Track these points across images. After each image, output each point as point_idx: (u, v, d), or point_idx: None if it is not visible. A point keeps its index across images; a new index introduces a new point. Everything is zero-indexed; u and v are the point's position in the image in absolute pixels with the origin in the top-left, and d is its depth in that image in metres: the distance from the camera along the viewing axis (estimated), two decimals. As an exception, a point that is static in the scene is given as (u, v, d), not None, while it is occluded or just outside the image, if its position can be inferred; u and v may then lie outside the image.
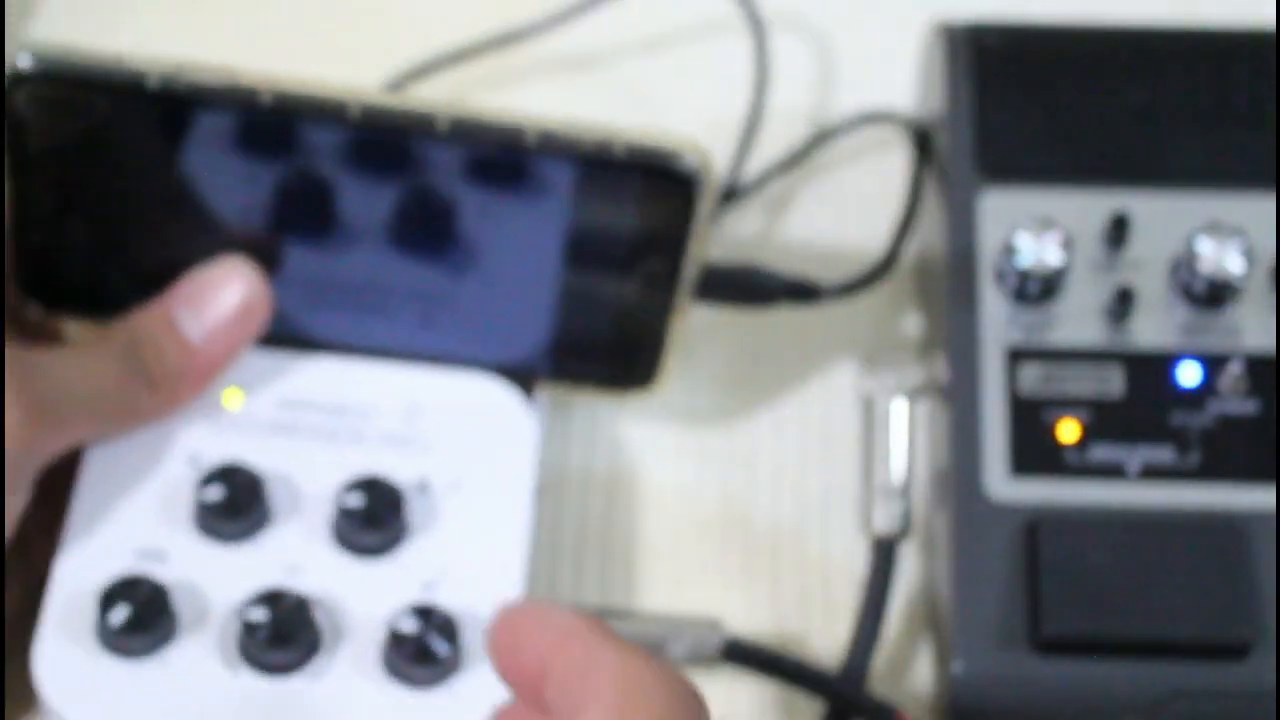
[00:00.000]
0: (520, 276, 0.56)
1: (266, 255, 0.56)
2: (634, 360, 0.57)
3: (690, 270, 0.54)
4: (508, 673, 0.45)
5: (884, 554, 0.56)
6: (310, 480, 0.55)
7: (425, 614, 0.52)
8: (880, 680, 0.57)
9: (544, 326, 0.57)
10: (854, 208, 0.67)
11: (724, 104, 0.70)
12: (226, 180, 0.55)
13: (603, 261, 0.55)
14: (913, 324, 0.65)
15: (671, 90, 0.71)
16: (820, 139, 0.67)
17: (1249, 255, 0.55)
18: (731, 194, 0.66)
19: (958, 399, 0.55)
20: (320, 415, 0.56)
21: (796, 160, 0.67)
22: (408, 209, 0.55)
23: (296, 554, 0.54)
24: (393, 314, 0.57)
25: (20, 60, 0.52)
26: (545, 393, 0.58)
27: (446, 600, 0.53)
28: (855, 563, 0.59)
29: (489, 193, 0.54)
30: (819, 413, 0.63)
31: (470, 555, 0.54)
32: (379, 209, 0.55)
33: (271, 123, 0.53)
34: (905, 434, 0.57)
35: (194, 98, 0.52)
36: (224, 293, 0.55)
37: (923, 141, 0.63)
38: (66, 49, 0.52)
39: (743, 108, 0.69)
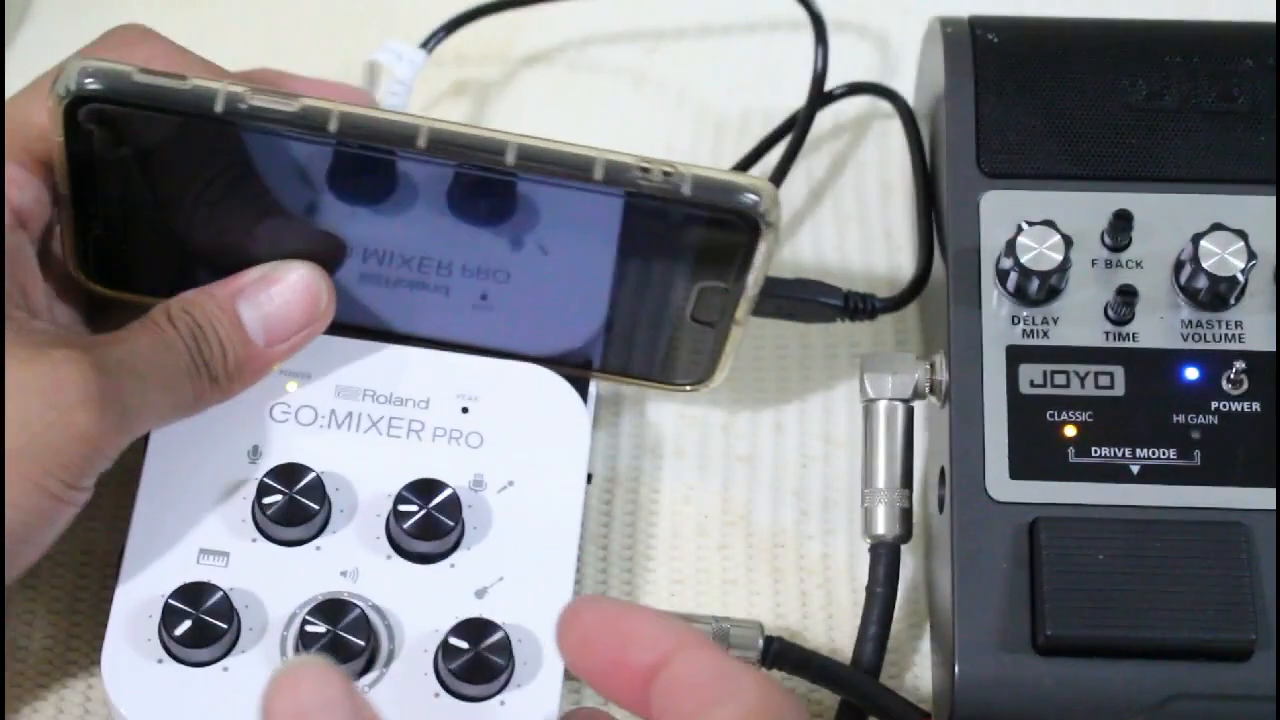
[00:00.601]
0: (580, 280, 0.56)
1: (327, 241, 0.56)
2: (690, 362, 0.58)
3: (751, 294, 0.55)
4: (607, 670, 0.46)
5: (889, 556, 0.56)
6: (368, 481, 0.55)
7: (477, 629, 0.53)
8: (881, 681, 0.57)
9: (601, 326, 0.57)
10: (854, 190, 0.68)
11: (725, 101, 0.70)
12: (287, 171, 0.54)
13: (664, 277, 0.55)
14: (913, 325, 0.65)
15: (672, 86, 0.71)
16: (814, 105, 0.67)
17: (1251, 255, 0.55)
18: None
19: (959, 399, 0.55)
20: (378, 405, 0.57)
21: (797, 137, 0.67)
22: (471, 204, 0.54)
23: (353, 559, 0.54)
24: (452, 304, 0.57)
25: (81, 79, 0.51)
26: (597, 386, 0.59)
27: (500, 609, 0.54)
28: (856, 564, 0.59)
29: (555, 200, 0.53)
30: (819, 413, 0.63)
31: (524, 561, 0.55)
32: (442, 201, 0.54)
33: (339, 143, 0.53)
34: (906, 435, 0.57)
35: (258, 125, 0.52)
36: (288, 294, 0.55)
37: (903, 106, 0.64)
38: (126, 70, 0.52)
39: (743, 107, 0.69)
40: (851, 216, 0.67)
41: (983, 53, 0.59)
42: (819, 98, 0.67)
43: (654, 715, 0.45)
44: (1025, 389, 0.55)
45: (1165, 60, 0.59)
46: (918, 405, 0.57)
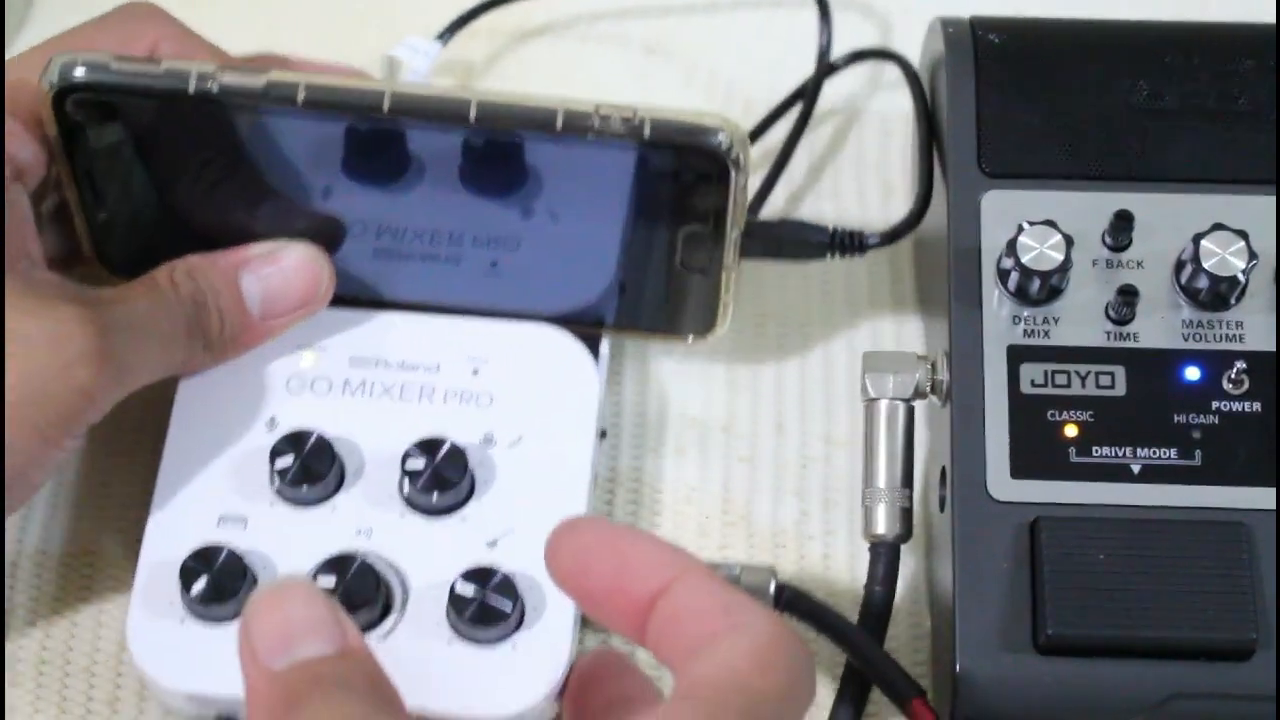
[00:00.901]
0: (579, 228, 0.58)
1: (333, 217, 0.58)
2: (693, 310, 0.59)
3: (734, 233, 0.56)
4: (603, 594, 0.46)
5: (888, 556, 0.56)
6: (381, 442, 0.57)
7: (484, 575, 0.54)
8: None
9: (604, 282, 0.59)
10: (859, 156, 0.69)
11: (734, 75, 0.70)
12: (284, 151, 0.57)
13: (652, 224, 0.57)
14: (913, 325, 0.65)
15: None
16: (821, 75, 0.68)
17: (1251, 255, 0.55)
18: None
19: (960, 399, 0.55)
20: (390, 372, 0.58)
21: (805, 106, 0.68)
22: (475, 176, 0.56)
23: (367, 517, 0.56)
24: (459, 267, 0.59)
25: (64, 71, 0.54)
26: (608, 344, 0.60)
27: (510, 558, 0.55)
28: (856, 564, 0.59)
29: (547, 147, 0.55)
30: (820, 414, 0.63)
31: (535, 511, 0.56)
32: (448, 175, 0.56)
33: (317, 114, 0.55)
34: (906, 434, 0.57)
35: (235, 103, 0.54)
36: (290, 274, 0.57)
37: (910, 72, 0.65)
38: (103, 59, 0.54)
39: (751, 80, 0.69)
40: (860, 184, 0.68)
41: (984, 53, 0.59)
42: (825, 69, 0.68)
43: (650, 644, 0.44)
44: (1026, 389, 0.55)
45: (1166, 61, 0.59)
46: (918, 405, 0.57)
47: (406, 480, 0.56)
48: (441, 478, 0.56)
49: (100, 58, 0.54)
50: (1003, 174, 0.58)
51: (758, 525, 0.61)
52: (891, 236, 0.62)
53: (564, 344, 0.59)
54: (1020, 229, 0.55)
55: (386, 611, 0.55)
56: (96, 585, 0.59)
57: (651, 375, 0.64)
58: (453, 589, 0.54)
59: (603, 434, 0.60)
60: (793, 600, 0.56)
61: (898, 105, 0.68)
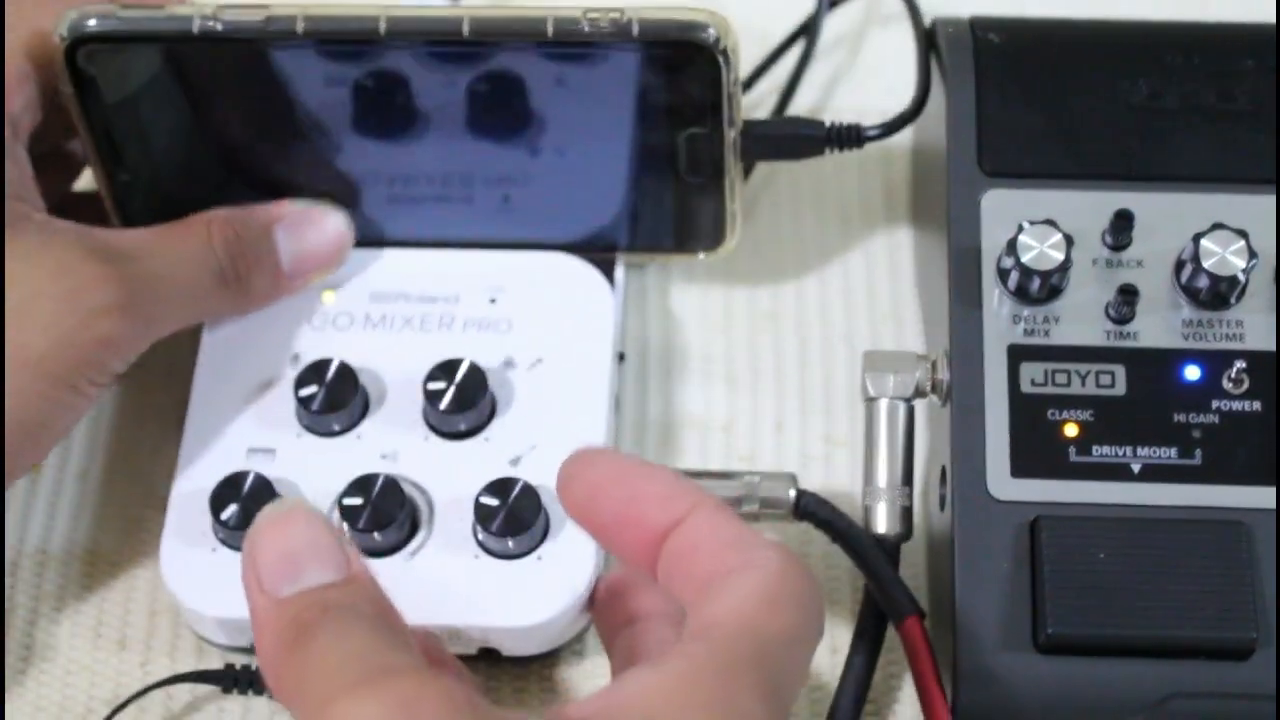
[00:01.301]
0: (582, 151, 0.59)
1: (344, 162, 0.59)
2: (702, 223, 0.61)
3: (732, 133, 0.58)
4: (615, 526, 0.46)
5: (888, 555, 0.56)
6: (402, 370, 0.59)
7: (507, 487, 0.55)
8: (880, 680, 0.57)
9: (613, 200, 0.60)
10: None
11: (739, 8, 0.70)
12: (296, 95, 0.58)
13: (653, 131, 0.58)
14: (913, 325, 0.65)
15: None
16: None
17: (1251, 254, 0.55)
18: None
19: (960, 398, 0.55)
20: (410, 305, 0.60)
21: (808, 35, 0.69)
22: (473, 96, 0.58)
23: (392, 442, 0.58)
24: (472, 203, 0.60)
25: (72, 22, 0.55)
26: (624, 269, 0.62)
27: (534, 473, 0.56)
28: (857, 563, 0.59)
29: (543, 73, 0.57)
30: (820, 413, 0.63)
31: (556, 429, 0.58)
32: (442, 101, 0.58)
33: (319, 44, 0.56)
34: (906, 433, 0.57)
35: (239, 42, 0.56)
36: (322, 234, 0.59)
37: None
38: (109, 8, 0.56)
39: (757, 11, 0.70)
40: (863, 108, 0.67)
41: (984, 53, 0.59)
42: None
43: (662, 578, 0.45)
44: (1026, 388, 0.55)
45: (1166, 60, 0.59)
46: (919, 404, 0.57)
47: (428, 403, 0.57)
48: (463, 397, 0.57)
49: (106, 7, 0.55)
50: (1003, 173, 0.58)
51: (758, 524, 0.61)
52: (889, 129, 0.62)
53: (578, 270, 0.61)
54: (1020, 228, 0.55)
55: (414, 531, 0.56)
56: (96, 585, 0.59)
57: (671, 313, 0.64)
58: (477, 501, 0.55)
59: (621, 356, 0.61)
60: (810, 508, 0.57)
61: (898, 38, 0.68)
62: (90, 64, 0.56)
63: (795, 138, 0.61)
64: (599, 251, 0.61)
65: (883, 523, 0.56)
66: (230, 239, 0.57)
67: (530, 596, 0.55)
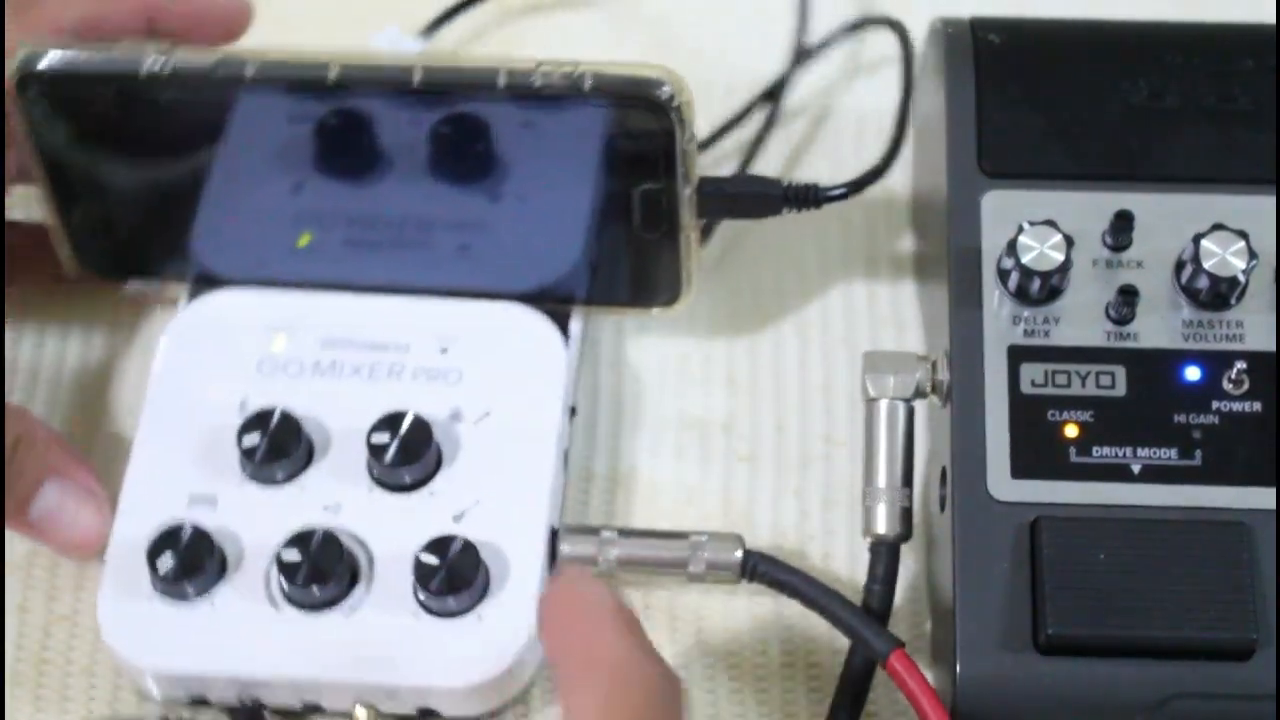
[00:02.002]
0: (535, 204, 0.58)
1: (297, 205, 0.58)
2: (658, 278, 0.60)
3: (687, 189, 0.57)
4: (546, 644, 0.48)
5: (888, 555, 0.56)
6: (348, 420, 0.58)
7: (446, 545, 0.54)
8: (882, 680, 0.57)
9: (569, 252, 0.59)
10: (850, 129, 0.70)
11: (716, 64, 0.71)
12: (246, 137, 0.57)
13: (611, 185, 0.57)
14: (913, 325, 0.65)
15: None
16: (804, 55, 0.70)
17: (1251, 255, 0.55)
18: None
19: (960, 399, 0.55)
20: (359, 353, 0.59)
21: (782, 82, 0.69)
22: (436, 140, 0.57)
23: (335, 494, 0.57)
24: (428, 249, 0.59)
25: (21, 62, 0.55)
26: (581, 322, 0.61)
27: (475, 530, 0.55)
28: (857, 564, 0.59)
29: (505, 122, 0.56)
30: (820, 413, 0.63)
31: (501, 484, 0.57)
32: (403, 146, 0.57)
33: (270, 90, 0.56)
34: (906, 434, 0.57)
35: (187, 81, 0.55)
36: (74, 519, 0.57)
37: (903, 34, 0.65)
38: (62, 46, 0.55)
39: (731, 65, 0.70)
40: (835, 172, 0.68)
41: (984, 53, 0.59)
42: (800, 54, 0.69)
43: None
44: (1026, 388, 0.55)
45: (1166, 60, 0.59)
46: (919, 405, 0.57)
47: (372, 455, 0.56)
48: (407, 450, 0.56)
49: (56, 44, 0.55)
50: (1003, 174, 0.58)
51: (758, 525, 0.61)
52: (852, 189, 0.61)
53: (531, 321, 0.60)
54: (1020, 229, 0.55)
55: (353, 586, 0.55)
56: (95, 585, 0.59)
57: (638, 366, 0.64)
58: (417, 559, 0.54)
59: (573, 411, 0.60)
60: (759, 569, 0.57)
61: (875, 95, 0.69)
62: (40, 101, 0.55)
63: (752, 196, 0.60)
64: (554, 303, 0.60)
65: (883, 523, 0.56)
66: (11, 444, 0.56)
67: (470, 656, 0.54)
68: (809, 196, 0.60)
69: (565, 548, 0.57)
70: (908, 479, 0.56)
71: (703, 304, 0.65)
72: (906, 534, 0.56)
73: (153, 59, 0.54)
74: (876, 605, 0.56)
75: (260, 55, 0.55)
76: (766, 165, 0.68)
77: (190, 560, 0.54)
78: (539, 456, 0.57)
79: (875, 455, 0.57)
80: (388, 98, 0.55)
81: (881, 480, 0.56)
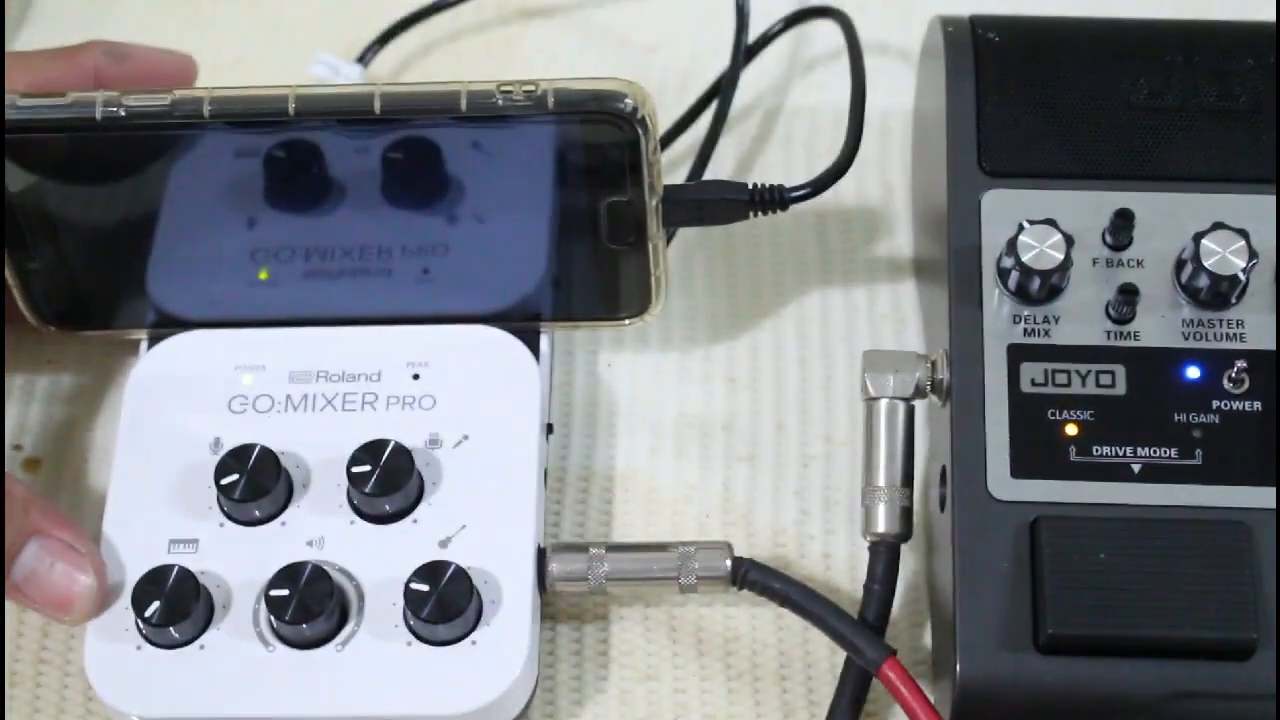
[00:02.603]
0: (503, 222, 0.58)
1: (258, 241, 0.58)
2: (627, 291, 0.59)
3: (653, 200, 0.57)
4: None
5: (888, 555, 0.56)
6: (326, 452, 0.57)
7: (437, 571, 0.54)
8: (880, 682, 0.57)
9: (536, 271, 0.59)
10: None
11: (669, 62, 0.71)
12: (205, 177, 0.57)
13: (574, 200, 0.57)
14: (913, 325, 0.64)
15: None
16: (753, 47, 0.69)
17: (1252, 254, 0.55)
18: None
19: (960, 398, 0.55)
20: (331, 384, 0.58)
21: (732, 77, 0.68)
22: (388, 166, 0.56)
23: (317, 528, 0.56)
24: (391, 277, 0.59)
25: None
26: (550, 339, 0.60)
27: (464, 555, 0.55)
28: (857, 564, 0.59)
29: (459, 144, 0.56)
30: (820, 413, 0.63)
31: (485, 507, 0.56)
32: (356, 174, 0.57)
33: (224, 127, 0.55)
34: (906, 433, 0.57)
35: (142, 124, 0.54)
36: (62, 580, 0.55)
37: (846, 23, 0.65)
38: (13, 97, 0.54)
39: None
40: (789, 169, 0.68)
41: (984, 52, 0.59)
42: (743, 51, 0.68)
43: None
44: (1026, 388, 0.55)
45: (1166, 59, 0.59)
46: (919, 404, 0.57)
47: (353, 486, 0.56)
48: (388, 479, 0.55)
49: (8, 97, 0.54)
50: (1003, 173, 0.58)
51: (758, 525, 0.61)
52: (816, 188, 0.61)
53: (502, 342, 0.59)
54: (1020, 228, 0.55)
55: (343, 620, 0.55)
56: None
57: (641, 370, 0.64)
58: (407, 587, 0.54)
59: (549, 429, 0.60)
60: (749, 576, 0.56)
61: (824, 89, 0.69)
62: None
63: (718, 202, 0.59)
64: (522, 322, 0.60)
65: (883, 523, 0.56)
66: None
67: (465, 683, 0.54)
68: (775, 199, 0.60)
69: (554, 566, 0.57)
70: (908, 478, 0.56)
71: (703, 304, 0.65)
72: (906, 534, 0.56)
73: (105, 103, 0.54)
74: (876, 605, 0.56)
75: (214, 92, 0.54)
76: (720, 168, 0.68)
77: (177, 604, 0.54)
78: (521, 477, 0.57)
79: (875, 455, 0.57)
80: (343, 127, 0.55)
81: (881, 480, 0.56)
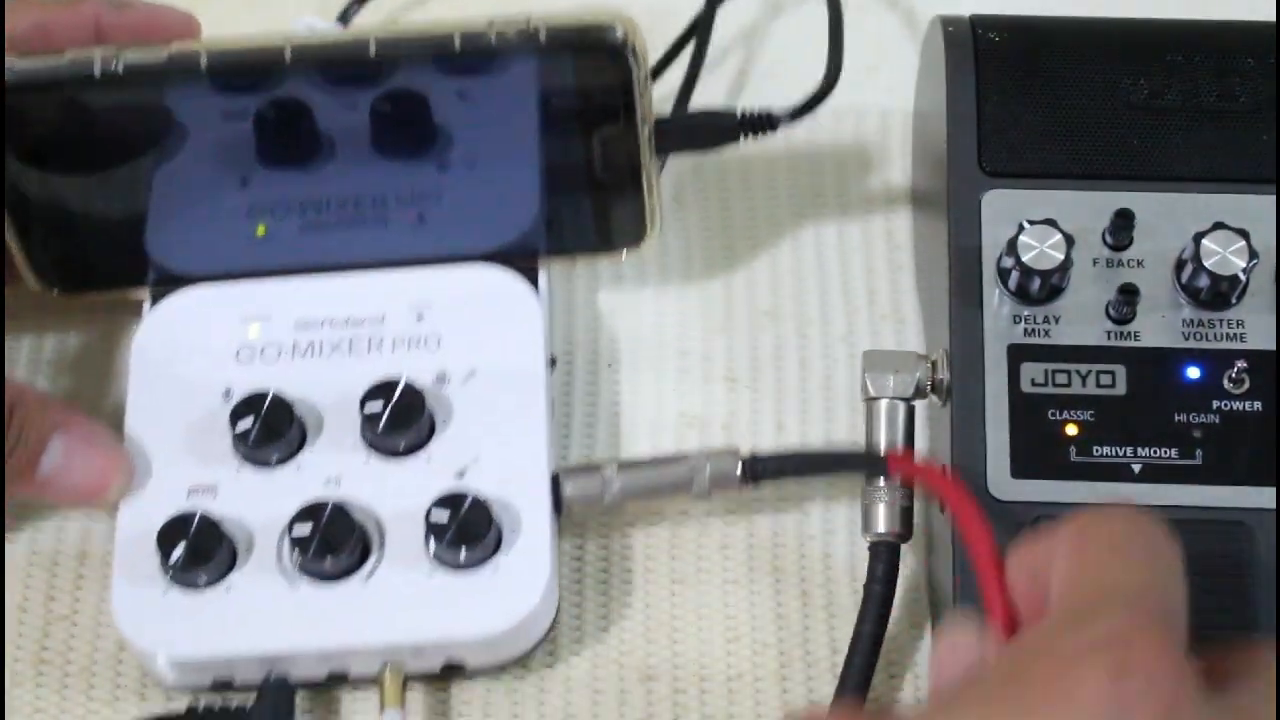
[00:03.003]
0: (496, 162, 0.59)
1: (256, 194, 0.59)
2: (621, 221, 0.61)
3: (645, 129, 0.58)
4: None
5: (888, 555, 0.56)
6: (336, 395, 0.58)
7: (456, 500, 0.55)
8: (881, 681, 0.57)
9: (531, 206, 0.60)
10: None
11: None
12: (202, 132, 0.58)
13: (567, 134, 0.58)
14: (913, 324, 0.64)
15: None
16: None
17: (1252, 254, 0.55)
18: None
19: (960, 398, 0.55)
20: (336, 330, 0.60)
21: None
22: (376, 118, 0.58)
23: (334, 468, 0.57)
24: (388, 223, 0.60)
25: None
26: (547, 274, 0.61)
27: (480, 484, 0.56)
28: (857, 564, 0.59)
29: (447, 88, 0.57)
30: (820, 413, 0.63)
31: (497, 438, 0.57)
32: (347, 126, 0.58)
33: (221, 78, 0.56)
34: (907, 433, 0.57)
35: (140, 79, 0.55)
36: (89, 465, 0.57)
37: None
38: (11, 58, 0.55)
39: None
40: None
41: (984, 52, 0.59)
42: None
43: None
44: (1026, 388, 0.55)
45: (1167, 59, 0.59)
46: (919, 404, 0.57)
47: (367, 425, 0.57)
48: (401, 415, 0.57)
49: (7, 56, 0.55)
50: (1003, 173, 0.58)
51: (758, 524, 0.61)
52: (801, 110, 0.62)
53: (502, 279, 0.61)
54: (1021, 228, 0.55)
55: (365, 554, 0.56)
56: (95, 585, 0.59)
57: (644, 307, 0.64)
58: (428, 517, 0.55)
59: (553, 361, 0.61)
60: (759, 468, 0.57)
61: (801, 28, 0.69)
62: None
63: (708, 128, 0.61)
64: (521, 259, 0.61)
65: (883, 522, 0.56)
66: (6, 412, 0.55)
67: (490, 607, 0.55)
68: (764, 122, 0.61)
69: (569, 488, 0.58)
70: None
71: (703, 303, 0.65)
72: (907, 533, 0.56)
73: (104, 60, 0.54)
74: (876, 605, 0.56)
75: (210, 45, 0.55)
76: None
77: (202, 547, 0.55)
78: (530, 406, 0.58)
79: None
80: (338, 76, 0.56)
81: (882, 479, 0.56)
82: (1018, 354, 0.55)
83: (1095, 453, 0.54)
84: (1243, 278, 0.55)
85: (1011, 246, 0.55)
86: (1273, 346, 0.55)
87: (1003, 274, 0.56)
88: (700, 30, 0.68)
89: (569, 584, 0.59)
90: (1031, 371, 0.55)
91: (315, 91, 0.57)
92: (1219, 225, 0.55)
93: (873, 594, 0.56)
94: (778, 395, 0.63)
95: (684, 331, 0.65)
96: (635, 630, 0.59)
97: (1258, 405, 0.55)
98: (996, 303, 0.56)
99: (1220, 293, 0.55)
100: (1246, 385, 0.55)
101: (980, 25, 0.60)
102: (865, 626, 0.56)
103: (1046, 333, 0.56)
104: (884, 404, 0.57)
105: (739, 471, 0.57)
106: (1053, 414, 0.55)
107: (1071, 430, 0.54)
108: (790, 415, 0.63)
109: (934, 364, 0.56)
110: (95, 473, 0.56)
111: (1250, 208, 0.57)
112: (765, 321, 0.65)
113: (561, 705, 0.57)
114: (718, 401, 0.63)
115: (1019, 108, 0.58)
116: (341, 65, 0.56)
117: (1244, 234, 0.55)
